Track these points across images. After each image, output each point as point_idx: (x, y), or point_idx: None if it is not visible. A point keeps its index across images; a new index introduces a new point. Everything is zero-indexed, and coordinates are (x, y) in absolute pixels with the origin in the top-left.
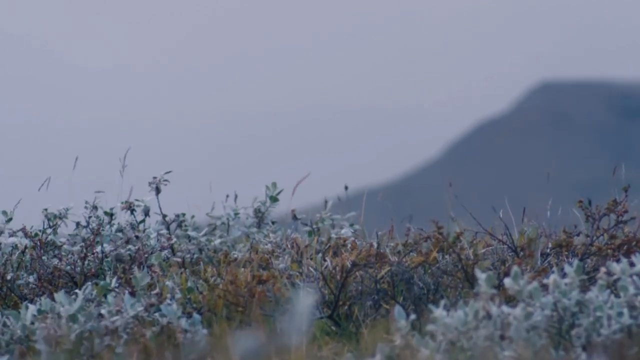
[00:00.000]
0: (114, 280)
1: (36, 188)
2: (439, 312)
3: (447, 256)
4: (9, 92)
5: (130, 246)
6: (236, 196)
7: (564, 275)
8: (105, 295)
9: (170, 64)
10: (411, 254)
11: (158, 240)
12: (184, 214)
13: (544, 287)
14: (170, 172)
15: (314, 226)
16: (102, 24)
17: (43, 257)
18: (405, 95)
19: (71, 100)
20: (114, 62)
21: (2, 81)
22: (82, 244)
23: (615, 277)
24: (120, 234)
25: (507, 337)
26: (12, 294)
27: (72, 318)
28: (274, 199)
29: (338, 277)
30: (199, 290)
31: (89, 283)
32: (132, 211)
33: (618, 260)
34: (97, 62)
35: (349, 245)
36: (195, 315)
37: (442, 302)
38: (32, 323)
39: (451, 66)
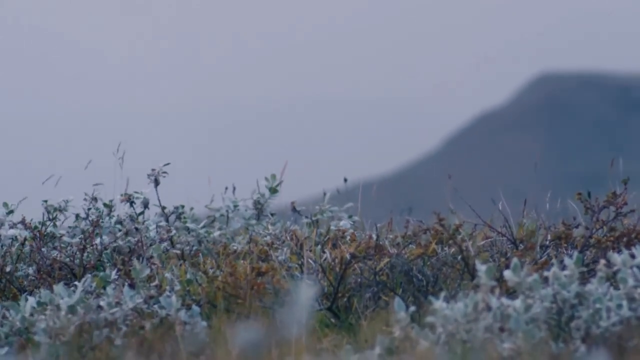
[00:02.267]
0: (113, 272)
1: (35, 180)
2: (438, 304)
3: (446, 248)
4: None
5: (129, 238)
6: (234, 188)
7: (563, 267)
8: (104, 287)
9: (167, 56)
10: (410, 245)
11: (157, 232)
12: (183, 206)
13: (544, 279)
14: (168, 164)
15: (313, 218)
16: (97, 12)
17: (42, 249)
18: (404, 87)
19: (66, 92)
20: (111, 52)
21: None
22: (82, 236)
23: (614, 269)
24: (119, 226)
25: (506, 329)
26: (12, 286)
27: (72, 310)
28: (274, 191)
29: (337, 269)
30: (198, 282)
31: (88, 275)
32: (132, 203)
33: (618, 252)
34: (94, 52)
35: (348, 237)
36: (195, 308)
37: (442, 294)
38: (32, 315)
39: (450, 57)
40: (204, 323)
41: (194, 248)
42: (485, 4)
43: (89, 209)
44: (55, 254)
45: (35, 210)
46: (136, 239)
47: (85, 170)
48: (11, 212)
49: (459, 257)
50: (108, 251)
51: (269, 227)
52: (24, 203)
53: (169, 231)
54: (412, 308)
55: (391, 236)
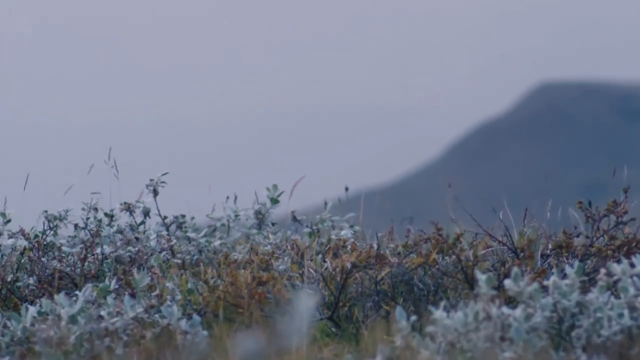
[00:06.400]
0: (113, 281)
1: (30, 188)
2: (439, 313)
3: (447, 257)
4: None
5: (130, 248)
6: (236, 197)
7: (564, 276)
8: (105, 297)
9: (168, 63)
10: (411, 255)
11: (158, 241)
12: (183, 216)
13: (544, 288)
14: (167, 173)
15: (314, 227)
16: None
17: (43, 259)
18: (405, 96)
19: (65, 99)
20: (112, 56)
21: None
22: (82, 245)
23: (615, 278)
24: (119, 236)
25: (507, 339)
26: (12, 296)
27: (72, 320)
28: (275, 201)
29: (338, 278)
30: (199, 291)
31: (89, 284)
32: (132, 212)
33: (618, 261)
34: (93, 59)
35: (349, 247)
36: (196, 317)
37: (442, 304)
38: (33, 325)
39: (451, 66)
40: (205, 332)
41: (195, 257)
42: (487, 12)
43: (88, 219)
44: (55, 264)
45: (27, 214)
46: (137, 248)
47: (84, 177)
48: (9, 221)
49: (459, 267)
50: (109, 261)
51: (270, 236)
52: (19, 211)
53: (169, 240)
54: (413, 317)
55: (392, 245)
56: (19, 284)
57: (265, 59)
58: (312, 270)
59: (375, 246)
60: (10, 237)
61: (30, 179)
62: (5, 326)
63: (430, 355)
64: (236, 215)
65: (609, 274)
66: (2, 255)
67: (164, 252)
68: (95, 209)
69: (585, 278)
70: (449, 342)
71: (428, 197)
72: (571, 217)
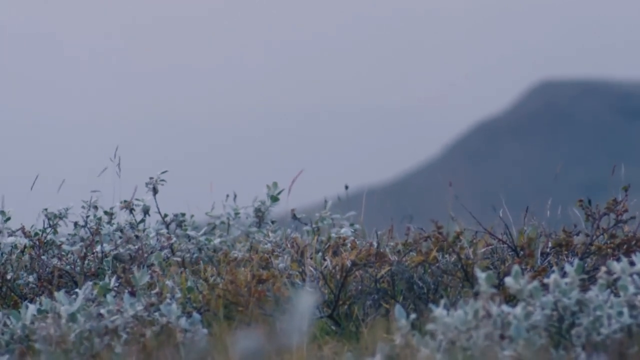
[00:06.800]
0: (113, 279)
1: (28, 187)
2: (439, 311)
3: (447, 255)
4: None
5: (130, 246)
6: (235, 196)
7: (564, 274)
8: (105, 295)
9: (168, 63)
10: (411, 253)
11: (158, 239)
12: (183, 214)
13: (544, 286)
14: (166, 171)
15: (314, 225)
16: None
17: (43, 257)
18: (405, 96)
19: (66, 99)
20: (110, 60)
21: None
22: (82, 243)
23: (615, 276)
24: (119, 234)
25: (507, 337)
26: (12, 294)
27: (72, 318)
28: (275, 199)
29: (338, 276)
30: (199, 289)
31: (89, 283)
32: (132, 211)
33: (618, 260)
34: (95, 59)
35: (349, 245)
36: (195, 315)
37: (442, 302)
38: (32, 323)
39: (451, 66)
40: (205, 330)
41: (195, 255)
42: (487, 12)
43: (87, 217)
44: (55, 262)
45: (27, 213)
46: (137, 246)
47: (87, 176)
48: (9, 219)
49: (459, 265)
50: (109, 259)
51: (270, 234)
52: (18, 209)
53: (169, 239)
54: (413, 315)
55: (392, 244)
56: (19, 281)
57: (265, 59)
58: (312, 269)
59: (375, 244)
60: (10, 235)
61: (29, 178)
62: (5, 324)
63: (430, 353)
64: (236, 213)
65: (609, 272)
66: (2, 254)
67: (163, 250)
68: (95, 207)
69: (585, 276)
70: (449, 340)
71: (428, 196)
72: (571, 216)
